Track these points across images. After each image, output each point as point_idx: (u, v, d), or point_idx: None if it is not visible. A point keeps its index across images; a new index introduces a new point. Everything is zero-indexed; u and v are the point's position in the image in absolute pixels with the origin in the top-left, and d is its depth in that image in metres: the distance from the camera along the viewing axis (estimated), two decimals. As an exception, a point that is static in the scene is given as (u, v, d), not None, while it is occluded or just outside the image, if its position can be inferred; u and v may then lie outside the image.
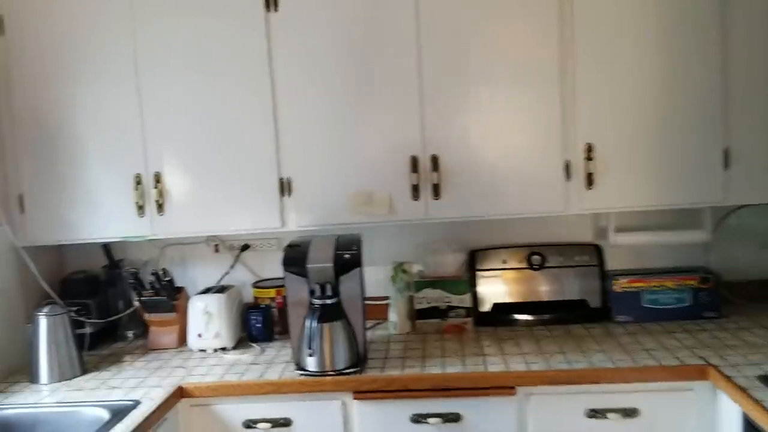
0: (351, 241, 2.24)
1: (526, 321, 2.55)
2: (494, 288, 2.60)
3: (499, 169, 2.31)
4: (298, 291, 2.20)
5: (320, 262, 2.15)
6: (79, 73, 2.38)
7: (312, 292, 2.16)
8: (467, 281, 2.55)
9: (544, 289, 2.59)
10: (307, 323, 2.13)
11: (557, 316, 2.54)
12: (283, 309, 2.52)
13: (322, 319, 2.12)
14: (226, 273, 2.76)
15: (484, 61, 2.28)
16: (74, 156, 2.41)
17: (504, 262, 2.61)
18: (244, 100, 2.34)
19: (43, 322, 2.26)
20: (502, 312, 2.57)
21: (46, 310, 2.29)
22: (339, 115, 2.33)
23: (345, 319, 2.17)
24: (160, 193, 2.39)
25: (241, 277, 2.77)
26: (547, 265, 2.59)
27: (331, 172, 2.34)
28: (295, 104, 2.33)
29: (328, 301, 2.14)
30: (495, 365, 2.13)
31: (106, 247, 2.74)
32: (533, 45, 2.26)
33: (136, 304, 2.58)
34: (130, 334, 2.72)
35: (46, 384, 2.23)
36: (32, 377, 2.26)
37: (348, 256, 2.16)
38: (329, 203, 2.35)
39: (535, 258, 2.60)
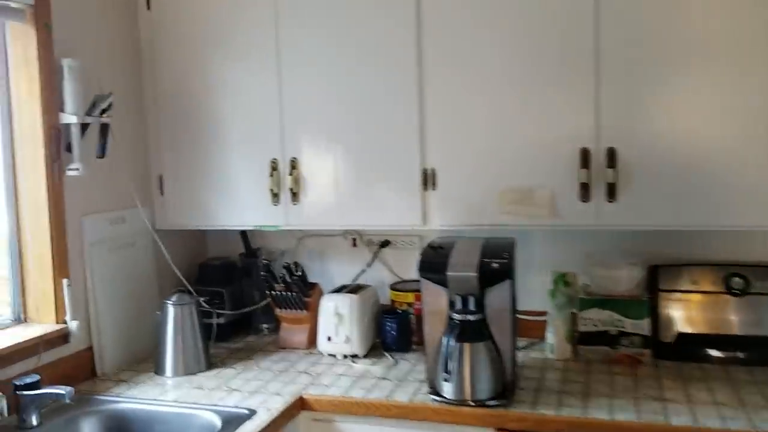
0: (502, 247, 1.89)
1: (721, 359, 2.07)
2: (681, 314, 2.14)
3: (695, 168, 1.87)
4: (435, 300, 1.89)
5: (462, 269, 1.82)
6: (221, 53, 2.27)
7: (452, 304, 1.84)
8: (647, 303, 2.10)
9: (745, 320, 2.09)
10: (444, 341, 1.81)
11: (763, 356, 2.03)
12: (421, 317, 2.23)
13: (461, 338, 1.80)
14: (363, 271, 2.52)
15: (681, 34, 1.85)
16: (212, 137, 2.31)
17: (694, 282, 2.14)
18: (387, 82, 2.10)
19: (170, 312, 2.17)
20: (690, 344, 2.11)
21: (174, 299, 2.19)
22: (493, 97, 2.00)
23: (490, 340, 1.83)
24: (296, 181, 2.20)
25: (380, 276, 2.52)
26: (752, 290, 2.09)
27: (482, 164, 2.03)
28: (443, 85, 2.05)
29: (471, 317, 1.81)
30: (679, 416, 1.70)
31: (244, 235, 2.61)
32: (749, 12, 1.79)
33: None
34: (264, 327, 2.59)
35: (169, 377, 2.13)
36: (157, 368, 2.16)
37: (496, 265, 1.81)
38: (478, 200, 2.04)
39: (736, 281, 2.09)
